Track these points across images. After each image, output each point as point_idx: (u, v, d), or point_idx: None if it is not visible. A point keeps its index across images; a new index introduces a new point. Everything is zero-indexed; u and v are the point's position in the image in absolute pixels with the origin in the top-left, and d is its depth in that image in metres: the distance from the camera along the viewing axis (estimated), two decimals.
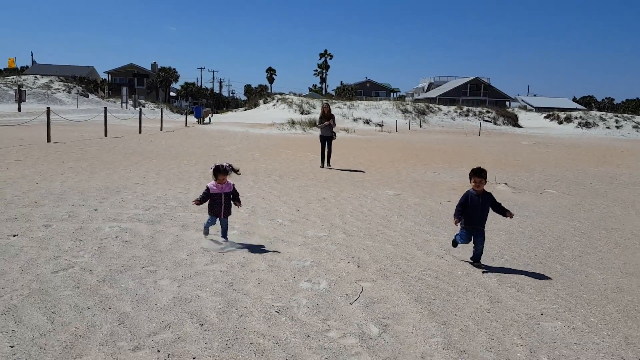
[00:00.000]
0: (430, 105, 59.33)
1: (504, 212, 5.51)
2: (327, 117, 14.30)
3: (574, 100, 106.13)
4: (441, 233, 7.12)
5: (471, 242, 5.68)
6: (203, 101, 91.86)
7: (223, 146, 19.90)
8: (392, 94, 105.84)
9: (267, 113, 53.78)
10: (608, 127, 58.21)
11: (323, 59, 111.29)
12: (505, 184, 11.96)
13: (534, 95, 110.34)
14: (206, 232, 6.24)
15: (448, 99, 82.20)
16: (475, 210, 5.42)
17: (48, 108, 19.95)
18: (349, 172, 13.38)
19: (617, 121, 59.71)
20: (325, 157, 14.34)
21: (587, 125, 58.55)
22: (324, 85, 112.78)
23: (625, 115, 63.11)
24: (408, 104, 59.26)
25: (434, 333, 3.90)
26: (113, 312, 3.99)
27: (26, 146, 15.77)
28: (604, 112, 64.53)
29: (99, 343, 3.49)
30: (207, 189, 6.02)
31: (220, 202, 5.98)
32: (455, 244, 5.88)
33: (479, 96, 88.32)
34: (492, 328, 4.06)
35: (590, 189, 12.30)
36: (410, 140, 31.05)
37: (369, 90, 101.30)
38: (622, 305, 4.72)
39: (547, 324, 4.18)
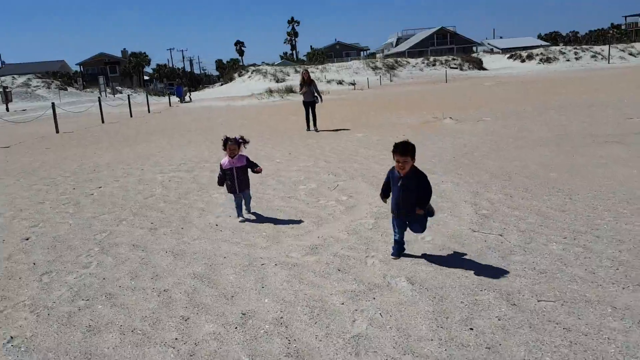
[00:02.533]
0: (399, 59, 61.83)
1: (418, 204, 4.35)
2: (307, 82, 14.93)
3: (539, 37, 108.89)
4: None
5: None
6: (178, 81, 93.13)
7: (213, 118, 22.45)
8: (362, 52, 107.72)
9: (244, 85, 55.94)
10: (568, 60, 61.32)
11: (291, 26, 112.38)
12: (450, 118, 14.87)
13: (500, 38, 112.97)
14: (239, 214, 6.22)
15: (417, 51, 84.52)
16: (397, 193, 4.37)
17: (53, 103, 22.38)
18: (329, 125, 16.19)
19: (576, 53, 62.82)
20: (311, 121, 14.90)
21: (548, 60, 61.58)
22: (294, 52, 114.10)
23: (583, 46, 66.21)
24: (377, 61, 61.67)
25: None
26: (192, 208, 6.82)
27: (41, 138, 18.22)
28: (564, 46, 67.54)
29: (194, 227, 6.33)
30: (220, 165, 6.14)
31: (232, 177, 6.01)
32: (396, 251, 4.65)
33: (446, 45, 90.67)
34: None
35: (522, 115, 15.22)
36: (380, 94, 33.77)
37: (339, 52, 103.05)
38: (493, 173, 7.64)
39: (445, 185, 7.09)
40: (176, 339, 3.37)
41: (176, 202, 7.28)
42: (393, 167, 4.42)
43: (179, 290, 4.15)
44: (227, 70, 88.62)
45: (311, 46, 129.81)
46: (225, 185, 6.17)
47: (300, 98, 15.57)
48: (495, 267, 4.23)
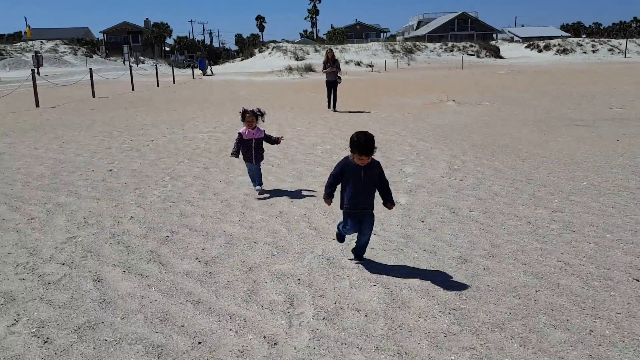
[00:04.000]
0: (417, 43, 62.95)
1: (385, 197, 4.14)
2: (331, 61, 15.15)
3: (562, 28, 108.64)
4: (397, 127, 11.84)
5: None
6: (200, 54, 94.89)
7: (236, 92, 24.34)
8: (382, 34, 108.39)
9: (264, 62, 57.63)
10: (585, 52, 62.03)
11: (312, 4, 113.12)
12: (454, 100, 16.63)
13: (522, 26, 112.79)
14: (257, 182, 6.43)
15: (437, 35, 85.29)
16: (356, 187, 3.99)
17: (90, 69, 24.47)
18: (344, 106, 18.01)
19: (593, 46, 63.44)
20: (331, 101, 15.32)
21: (564, 52, 62.35)
22: (314, 30, 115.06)
23: (601, 39, 66.70)
24: (396, 44, 62.86)
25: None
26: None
27: (81, 101, 20.25)
28: (582, 38, 68.06)
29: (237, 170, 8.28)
30: (239, 134, 6.32)
31: (250, 147, 6.26)
32: (341, 238, 4.45)
33: (467, 31, 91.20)
34: (405, 138, 8.83)
35: (518, 101, 16.89)
36: (396, 77, 35.36)
37: (359, 33, 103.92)
38: (474, 144, 9.45)
39: (433, 151, 8.92)
40: (239, 220, 5.36)
41: (218, 152, 9.23)
42: (347, 157, 4.06)
43: (234, 200, 6.12)
44: (247, 46, 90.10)
45: (332, 25, 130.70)
46: (240, 155, 6.36)
47: (322, 77, 16.12)
48: (450, 195, 6.12)
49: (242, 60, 68.22)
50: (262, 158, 6.52)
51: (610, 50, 62.34)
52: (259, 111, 6.29)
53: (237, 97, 20.89)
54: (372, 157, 3.97)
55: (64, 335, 3.26)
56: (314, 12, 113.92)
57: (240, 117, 6.34)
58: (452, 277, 4.00)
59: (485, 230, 4.99)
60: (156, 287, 3.91)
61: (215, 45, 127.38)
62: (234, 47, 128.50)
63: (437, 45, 62.66)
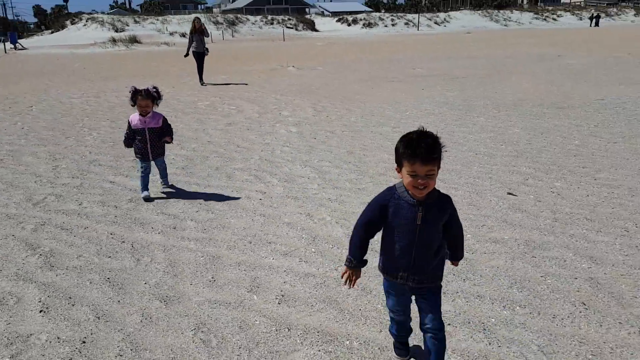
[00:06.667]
0: (239, 15, 64.85)
1: (455, 250, 2.50)
2: (199, 31, 14.92)
3: (365, 4, 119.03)
4: (256, 86, 14.26)
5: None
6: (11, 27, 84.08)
7: (68, 65, 24.16)
8: (199, 6, 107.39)
9: (79, 34, 54.32)
10: (386, 26, 70.06)
11: None
12: (293, 66, 19.50)
13: (330, 1, 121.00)
14: (143, 188, 5.30)
15: (254, 8, 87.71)
16: (409, 240, 2.31)
17: None
18: (191, 77, 19.68)
19: (392, 20, 71.89)
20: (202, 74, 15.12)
21: (369, 25, 69.68)
22: (127, 1, 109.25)
23: (399, 14, 75.72)
24: (219, 16, 63.96)
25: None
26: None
27: None
28: (382, 13, 76.39)
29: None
30: (129, 123, 5.17)
31: (144, 140, 5.14)
32: (402, 350, 2.77)
33: (282, 4, 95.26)
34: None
35: (344, 66, 20.38)
36: (229, 48, 37.23)
37: (176, 4, 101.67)
38: (315, 93, 12.35)
39: (296, 101, 11.59)
40: (245, 135, 7.41)
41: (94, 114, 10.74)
42: (393, 188, 2.32)
43: (236, 127, 8.05)
44: (52, 18, 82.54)
45: None
46: (134, 149, 5.23)
47: (160, 48, 17.79)
48: (324, 124, 8.86)
49: (53, 33, 63.05)
50: (162, 152, 5.35)
51: (406, 24, 71.33)
52: (156, 91, 5.08)
53: (75, 70, 21.12)
54: (438, 189, 2.31)
55: None
56: None
57: (130, 99, 5.10)
58: (346, 161, 6.72)
59: (356, 139, 7.82)
60: None
61: (10, 17, 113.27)
62: (33, 20, 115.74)
63: (258, 18, 65.31)
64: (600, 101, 10.57)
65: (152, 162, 5.41)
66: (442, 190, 2.37)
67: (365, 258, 2.48)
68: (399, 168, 2.24)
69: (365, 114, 9.95)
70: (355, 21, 71.33)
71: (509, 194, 5.29)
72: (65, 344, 2.98)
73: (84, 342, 3.00)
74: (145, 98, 4.99)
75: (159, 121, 5.22)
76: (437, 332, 2.40)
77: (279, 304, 3.37)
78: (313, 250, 4.15)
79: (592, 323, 3.10)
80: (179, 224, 4.74)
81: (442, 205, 2.31)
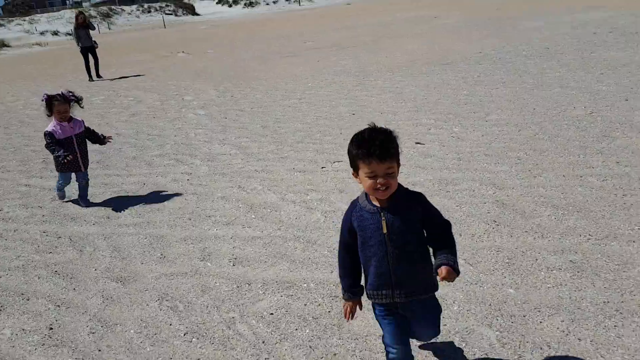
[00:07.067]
0: (113, 7, 61.40)
1: (441, 251, 2.06)
2: (83, 26, 14.32)
3: None
4: (153, 75, 13.91)
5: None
6: None
7: None
8: (66, 1, 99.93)
9: None
10: (267, 4, 69.76)
11: None
12: (183, 52, 19.12)
13: None
14: (62, 196, 5.09)
15: None
16: (380, 252, 2.05)
17: None
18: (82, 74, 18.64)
19: None
20: (92, 68, 14.50)
21: (251, 4, 69.02)
22: None
23: None
24: (90, 10, 60.15)
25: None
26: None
27: None
28: None
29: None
30: (49, 135, 4.63)
31: (73, 149, 4.70)
32: None
33: None
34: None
35: (235, 47, 20.26)
36: (105, 42, 35.31)
37: (42, 2, 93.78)
38: (215, 74, 12.37)
39: (196, 85, 11.52)
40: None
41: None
42: (355, 201, 2.13)
43: (140, 117, 7.78)
44: None
45: None
46: (58, 162, 4.71)
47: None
48: (230, 104, 8.98)
49: None
50: (88, 162, 4.97)
51: (287, 0, 71.55)
52: (72, 95, 4.75)
53: None
54: (407, 188, 2.09)
55: None
56: None
57: (44, 108, 4.74)
58: (263, 135, 6.95)
59: (266, 114, 8.04)
60: None
61: None
62: None
63: (134, 7, 62.25)
64: (478, 54, 11.58)
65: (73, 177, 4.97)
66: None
67: (361, 284, 2.20)
68: (356, 172, 2.01)
69: (269, 89, 10.17)
70: (236, 2, 70.31)
71: (417, 143, 5.84)
72: (32, 333, 3.02)
73: (51, 328, 3.06)
74: (63, 102, 4.63)
75: (82, 125, 4.86)
76: (426, 335, 2.38)
77: (233, 266, 3.60)
78: (253, 216, 4.39)
79: (504, 235, 3.66)
80: (112, 213, 4.75)
81: (409, 205, 2.03)
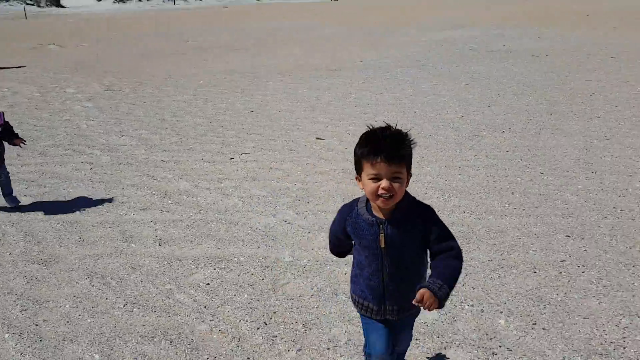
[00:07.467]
0: None
1: (438, 279, 1.75)
2: None
3: None
4: (24, 69, 12.93)
5: None
6: None
7: None
8: None
9: None
10: (140, 1, 66.92)
11: None
12: (54, 44, 17.91)
13: None
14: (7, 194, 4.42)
15: None
16: (375, 266, 1.86)
17: None
18: None
19: None
20: None
21: (123, 1, 65.75)
22: None
23: None
24: None
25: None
26: None
27: None
28: None
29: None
30: None
31: None
32: None
33: None
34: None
35: (113, 42, 19.40)
36: None
37: None
38: (104, 71, 11.93)
39: (68, 80, 10.99)
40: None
41: None
42: (354, 202, 1.91)
43: (21, 108, 7.12)
44: None
45: None
46: None
47: None
48: (130, 100, 8.78)
49: None
50: (3, 158, 4.41)
51: None
52: None
53: None
54: (414, 197, 1.87)
55: None
56: None
57: None
58: (162, 127, 6.95)
59: (161, 108, 8.02)
60: None
61: None
62: None
63: None
64: (360, 63, 12.45)
65: None
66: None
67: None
68: (359, 176, 1.77)
69: (159, 85, 10.06)
70: None
71: (318, 138, 6.28)
72: None
73: None
74: None
75: (1, 118, 4.23)
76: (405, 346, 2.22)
77: (159, 245, 3.73)
78: (169, 202, 4.51)
79: None
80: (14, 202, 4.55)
81: (414, 220, 1.78)
